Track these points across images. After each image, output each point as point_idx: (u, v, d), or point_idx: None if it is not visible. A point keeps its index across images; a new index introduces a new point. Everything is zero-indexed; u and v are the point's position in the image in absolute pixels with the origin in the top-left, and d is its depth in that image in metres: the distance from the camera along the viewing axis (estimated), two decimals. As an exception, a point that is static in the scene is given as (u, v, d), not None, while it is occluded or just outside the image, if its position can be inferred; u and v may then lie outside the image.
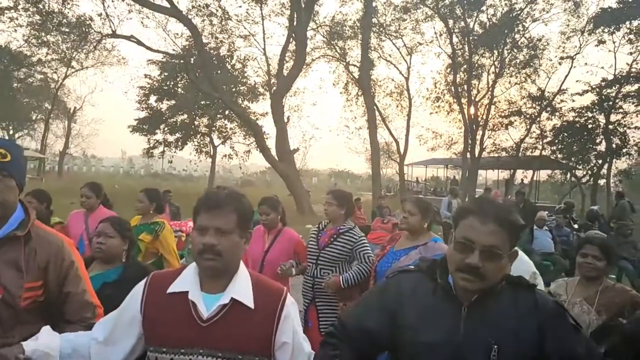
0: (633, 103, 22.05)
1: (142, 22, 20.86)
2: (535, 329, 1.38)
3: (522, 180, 26.87)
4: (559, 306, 1.45)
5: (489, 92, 24.66)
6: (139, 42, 18.90)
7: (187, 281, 1.53)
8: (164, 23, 20.91)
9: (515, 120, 24.65)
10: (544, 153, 24.38)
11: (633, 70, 21.79)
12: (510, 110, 24.73)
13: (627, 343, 1.51)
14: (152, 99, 27.17)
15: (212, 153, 28.42)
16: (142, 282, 1.59)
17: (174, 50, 21.94)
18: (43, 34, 23.68)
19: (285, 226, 3.96)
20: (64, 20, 20.32)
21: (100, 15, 19.72)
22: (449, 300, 1.45)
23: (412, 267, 1.62)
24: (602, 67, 24.29)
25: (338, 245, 3.55)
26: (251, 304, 1.49)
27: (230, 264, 1.51)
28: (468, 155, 24.38)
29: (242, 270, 1.56)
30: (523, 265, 2.99)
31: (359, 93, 23.99)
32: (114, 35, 20.00)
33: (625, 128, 22.51)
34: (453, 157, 27.74)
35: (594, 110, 22.84)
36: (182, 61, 21.68)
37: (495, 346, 1.36)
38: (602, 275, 2.76)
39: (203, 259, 1.46)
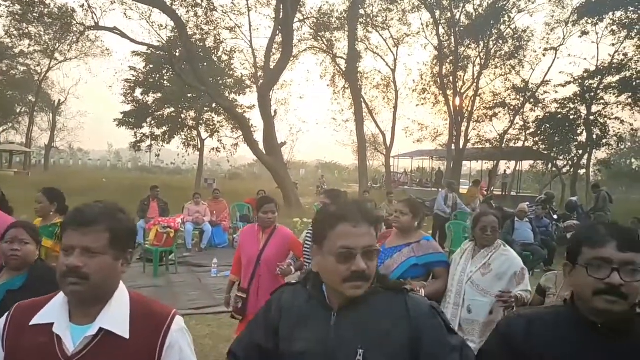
0: (614, 94, 22.45)
1: (125, 14, 20.69)
2: (407, 333, 1.36)
3: (505, 170, 27.38)
4: (432, 309, 1.43)
5: (474, 84, 24.92)
6: (123, 34, 18.74)
7: (53, 311, 1.35)
8: (147, 14, 20.77)
9: (499, 112, 25.00)
10: (526, 144, 24.78)
11: (615, 61, 22.19)
12: (495, 102, 25.03)
13: (499, 344, 1.50)
14: (138, 92, 26.99)
15: (199, 146, 28.38)
16: (5, 315, 1.41)
17: (158, 42, 21.80)
18: (24, 25, 23.37)
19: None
20: (46, 11, 20.06)
21: (82, 6, 19.48)
22: (322, 308, 1.44)
23: (295, 281, 1.64)
24: (585, 59, 24.74)
25: None
26: (125, 334, 1.32)
27: (100, 289, 1.33)
28: (453, 146, 24.69)
29: (120, 296, 1.39)
30: (515, 261, 3.26)
31: (346, 86, 24.12)
32: (96, 27, 19.79)
33: (605, 119, 22.95)
34: (438, 148, 28.05)
35: (576, 101, 23.19)
36: (166, 54, 21.55)
37: (361, 351, 1.34)
38: None
39: (66, 283, 1.29)
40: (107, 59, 28.43)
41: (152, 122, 27.14)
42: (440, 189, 24.03)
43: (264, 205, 3.88)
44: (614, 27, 21.79)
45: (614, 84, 22.18)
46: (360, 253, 1.36)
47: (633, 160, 36.22)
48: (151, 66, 26.21)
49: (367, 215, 1.41)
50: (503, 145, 24.79)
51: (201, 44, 23.72)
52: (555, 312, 1.49)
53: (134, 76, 26.67)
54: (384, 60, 26.43)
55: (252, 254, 3.83)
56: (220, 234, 10.90)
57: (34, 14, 20.40)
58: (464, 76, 25.30)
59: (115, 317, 1.34)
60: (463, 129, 24.93)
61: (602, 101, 22.90)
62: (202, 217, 10.62)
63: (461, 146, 24.80)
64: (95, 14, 19.35)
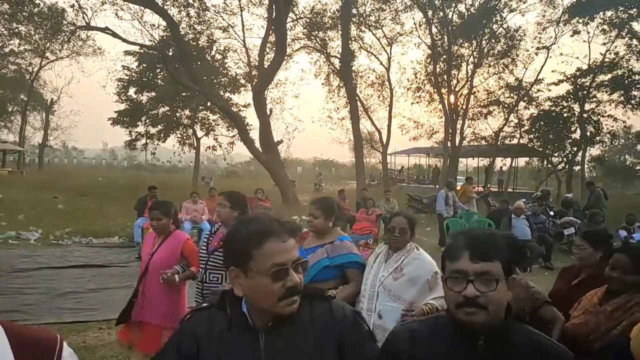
0: (606, 92, 22.72)
1: (116, 14, 20.63)
2: (334, 342, 1.33)
3: (501, 167, 27.57)
4: (356, 315, 1.41)
5: (468, 82, 25.06)
6: (114, 34, 18.70)
7: None
8: (139, 14, 20.71)
9: (494, 110, 25.21)
10: (521, 141, 25.00)
11: (606, 60, 22.41)
12: (489, 100, 25.22)
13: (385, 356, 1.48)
14: (132, 91, 26.93)
15: (195, 145, 28.36)
16: None
17: (151, 41, 21.76)
18: (14, 24, 23.21)
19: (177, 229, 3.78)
20: (36, 10, 19.96)
21: (72, 6, 19.37)
22: (247, 332, 1.35)
23: (206, 304, 1.52)
24: (577, 57, 24.79)
25: None
26: None
27: None
28: (449, 144, 24.83)
29: None
30: (428, 266, 3.08)
31: (341, 84, 24.17)
32: (87, 27, 19.70)
33: (598, 116, 23.24)
34: (434, 145, 28.22)
35: (569, 99, 23.46)
36: (159, 53, 21.51)
37: None
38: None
39: None
40: (99, 58, 28.28)
41: (147, 120, 27.11)
42: (437, 186, 24.18)
43: (150, 212, 3.67)
44: (605, 27, 22.05)
45: (606, 82, 22.45)
46: (292, 267, 1.30)
47: (627, 156, 36.56)
48: (144, 65, 26.17)
49: (289, 227, 1.36)
50: (498, 143, 25.01)
51: (194, 44, 23.70)
52: (436, 323, 1.47)
53: (127, 75, 26.62)
54: (377, 59, 26.52)
55: (145, 257, 3.67)
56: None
57: (24, 14, 20.29)
58: (457, 74, 25.50)
59: None
60: (458, 126, 25.08)
61: (594, 99, 23.20)
62: (200, 215, 10.61)
63: (457, 143, 24.95)
64: (86, 14, 19.30)
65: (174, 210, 3.73)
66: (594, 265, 2.83)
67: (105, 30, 18.64)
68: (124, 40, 19.49)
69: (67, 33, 21.66)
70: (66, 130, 43.00)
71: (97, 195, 17.56)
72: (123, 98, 26.69)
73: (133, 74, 26.62)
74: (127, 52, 25.82)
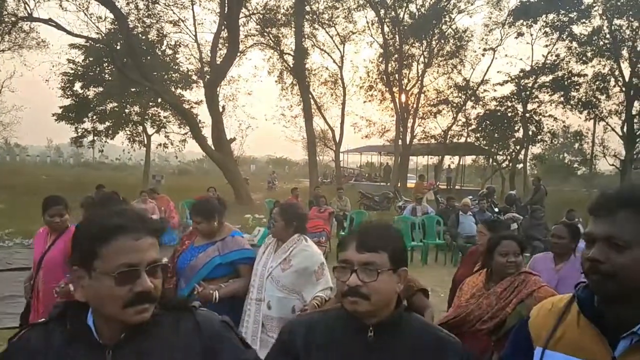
0: (547, 93, 23.91)
1: (60, 5, 19.79)
2: (200, 355, 1.20)
3: (449, 165, 28.47)
4: (225, 325, 1.30)
5: (419, 82, 25.75)
6: (59, 26, 17.96)
7: None
8: (84, 6, 19.97)
9: (443, 109, 26.01)
10: (469, 140, 25.95)
11: (548, 61, 23.55)
12: (439, 99, 25.99)
13: (280, 351, 1.50)
14: (77, 85, 25.87)
15: (145, 142, 27.59)
16: None
17: (97, 34, 21.02)
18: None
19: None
20: (-30, -1, 18.87)
21: (13, -5, 18.49)
22: (90, 348, 1.16)
23: (43, 319, 1.27)
24: (521, 59, 26.01)
25: None
26: None
27: None
28: (400, 142, 25.43)
29: None
30: (315, 257, 3.18)
31: (294, 82, 24.21)
32: (30, 18, 18.84)
33: (540, 116, 24.44)
34: (386, 144, 28.76)
35: (513, 99, 24.55)
36: (106, 47, 20.82)
37: None
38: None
39: None
40: (43, 51, 26.88)
41: (94, 117, 26.12)
42: (389, 184, 24.68)
43: (50, 207, 3.46)
44: (547, 29, 23.15)
45: (547, 84, 23.62)
46: (145, 270, 1.14)
47: (565, 154, 38.52)
48: (91, 59, 25.20)
49: (149, 224, 1.19)
50: (447, 141, 25.79)
51: (143, 38, 23.08)
52: (331, 315, 1.47)
53: (72, 69, 25.55)
54: (331, 57, 26.73)
55: (37, 257, 3.46)
56: (169, 232, 10.66)
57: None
58: (408, 74, 26.12)
59: None
60: (409, 125, 25.72)
61: (536, 99, 24.38)
62: (149, 215, 10.30)
63: (408, 142, 25.60)
64: (28, 5, 18.45)
65: (66, 206, 3.54)
66: None
67: (48, 21, 17.88)
68: (69, 33, 18.76)
69: (8, 24, 20.57)
70: (8, 126, 40.83)
71: (41, 194, 16.72)
72: (68, 93, 25.56)
73: (79, 67, 25.57)
74: (72, 45, 24.77)
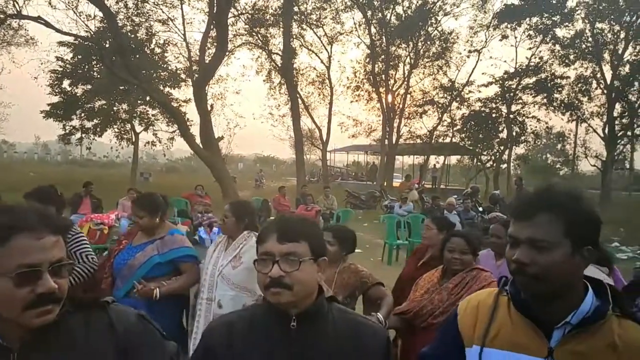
0: (531, 94, 24.36)
1: (49, 3, 19.78)
2: (115, 353, 1.17)
3: (434, 165, 28.86)
4: (140, 317, 1.27)
5: (405, 82, 26.06)
6: (47, 24, 17.96)
7: None
8: (74, 4, 19.97)
9: (428, 109, 26.36)
10: (454, 140, 26.33)
11: (531, 64, 23.99)
12: (424, 99, 26.33)
13: (204, 354, 1.48)
14: (66, 83, 25.84)
15: (133, 140, 27.61)
16: None
17: (86, 32, 21.01)
18: None
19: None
20: (-43, -5, 18.74)
21: (2, -7, 18.43)
22: None
23: None
24: (505, 61, 26.52)
25: None
26: None
27: None
28: (386, 142, 25.76)
29: None
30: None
31: (282, 81, 24.40)
32: (19, 15, 18.81)
33: (523, 117, 24.90)
34: (372, 143, 29.07)
35: (497, 100, 24.97)
36: (95, 45, 20.84)
37: None
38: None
39: None
40: (32, 49, 26.75)
41: (82, 114, 26.11)
42: (375, 183, 25.01)
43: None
44: (531, 32, 23.56)
45: (530, 85, 24.06)
46: (48, 270, 1.09)
47: (548, 155, 39.21)
48: (79, 57, 25.19)
49: (50, 222, 1.14)
50: (432, 141, 26.15)
51: (132, 36, 23.11)
52: (254, 311, 1.49)
53: (61, 67, 25.52)
54: (318, 57, 26.94)
55: None
56: None
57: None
58: (395, 74, 26.39)
59: None
60: (395, 125, 26.07)
61: (520, 101, 24.83)
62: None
63: (394, 141, 25.94)
64: (17, 2, 18.41)
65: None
66: (436, 245, 3.20)
67: (37, 19, 17.88)
68: (58, 31, 18.75)
69: (-4, 21, 20.49)
70: (-5, 123, 40.52)
71: (28, 190, 16.84)
72: (56, 90, 25.54)
73: (67, 65, 25.55)
74: (61, 43, 24.75)
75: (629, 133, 23.74)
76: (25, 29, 24.15)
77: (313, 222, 1.55)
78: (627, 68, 22.76)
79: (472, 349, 1.33)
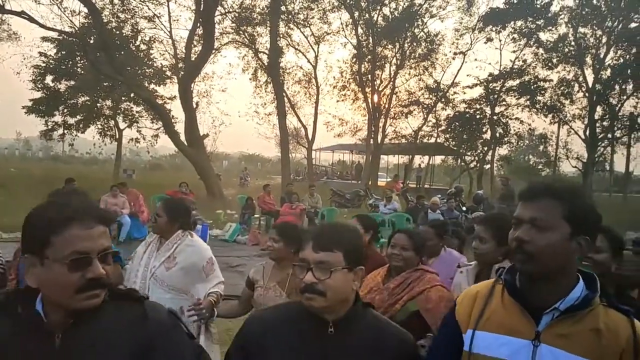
0: (514, 96, 24.70)
1: (34, -2, 19.47)
2: (141, 344, 1.23)
3: (419, 165, 29.07)
4: (172, 316, 1.34)
5: (391, 83, 26.21)
6: (31, 19, 17.70)
7: None
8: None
9: (414, 110, 26.56)
10: (438, 140, 26.56)
11: (515, 66, 24.34)
12: (410, 100, 26.52)
13: (238, 346, 1.56)
14: (49, 78, 25.49)
15: (117, 136, 27.34)
16: None
17: (70, 27, 20.75)
18: None
19: None
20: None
21: (-15, -13, 18.10)
22: (39, 332, 1.19)
23: None
24: (490, 63, 26.86)
25: None
26: None
27: None
28: (372, 141, 25.89)
29: None
30: (202, 252, 3.02)
31: (268, 80, 24.38)
32: (2, 10, 18.50)
33: (507, 119, 25.24)
34: (358, 143, 29.18)
35: (482, 102, 25.26)
36: (79, 41, 20.60)
37: None
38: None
39: None
40: (15, 43, 26.29)
41: (65, 110, 25.78)
42: (360, 182, 25.12)
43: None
44: (515, 35, 23.93)
45: (514, 87, 24.42)
46: (97, 257, 1.20)
47: (530, 156, 39.77)
48: (63, 52, 24.87)
49: (98, 213, 1.25)
50: (417, 141, 26.34)
51: (117, 32, 22.88)
52: (289, 311, 1.54)
53: (44, 62, 25.16)
54: (305, 56, 26.97)
55: None
56: (139, 227, 10.50)
57: None
58: (381, 75, 26.53)
59: None
60: (381, 124, 26.21)
61: (504, 103, 25.19)
62: (120, 209, 10.27)
63: (379, 141, 26.09)
64: (0, -4, 18.08)
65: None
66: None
67: (21, 14, 17.61)
68: (42, 26, 18.47)
69: (-21, 16, 20.14)
70: (-26, 118, 39.78)
71: (8, 186, 16.63)
72: (39, 86, 25.18)
73: (51, 61, 25.21)
74: (44, 38, 24.40)
75: (610, 135, 24.24)
76: (8, 24, 23.75)
77: (354, 231, 1.59)
78: (608, 72, 23.24)
79: (466, 334, 1.42)
